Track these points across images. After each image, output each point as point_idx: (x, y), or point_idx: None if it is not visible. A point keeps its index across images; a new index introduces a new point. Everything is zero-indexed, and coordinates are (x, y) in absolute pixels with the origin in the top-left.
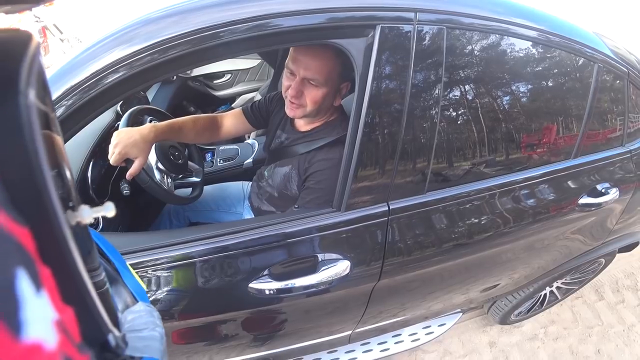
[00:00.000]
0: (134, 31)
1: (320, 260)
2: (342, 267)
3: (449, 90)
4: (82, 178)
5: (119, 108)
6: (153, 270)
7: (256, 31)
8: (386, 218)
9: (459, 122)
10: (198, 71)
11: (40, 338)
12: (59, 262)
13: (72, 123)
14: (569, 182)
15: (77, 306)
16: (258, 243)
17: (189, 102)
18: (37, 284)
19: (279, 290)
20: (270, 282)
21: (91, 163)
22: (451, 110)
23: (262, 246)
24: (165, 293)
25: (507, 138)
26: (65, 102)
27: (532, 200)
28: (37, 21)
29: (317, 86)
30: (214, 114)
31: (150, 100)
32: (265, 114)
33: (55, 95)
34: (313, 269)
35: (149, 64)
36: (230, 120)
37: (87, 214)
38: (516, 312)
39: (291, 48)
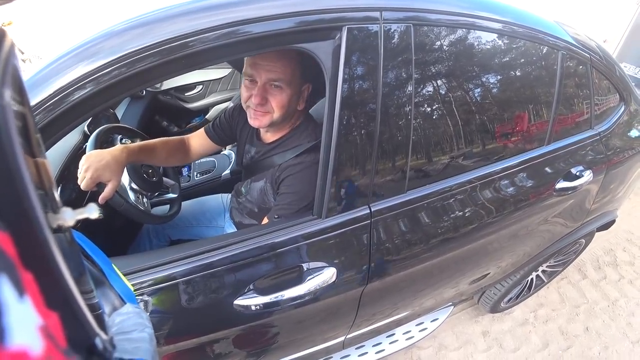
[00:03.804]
0: (98, 45)
1: (305, 269)
2: (329, 274)
3: (421, 86)
4: None
5: (86, 128)
6: (137, 296)
7: (225, 39)
8: (369, 221)
9: (433, 118)
10: (168, 84)
11: (25, 344)
12: (41, 267)
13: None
14: (545, 168)
15: (62, 311)
16: (239, 258)
17: (161, 116)
18: (20, 289)
19: (266, 305)
20: (256, 297)
21: (59, 188)
22: (425, 106)
23: (244, 261)
24: (153, 317)
25: (482, 130)
26: None
27: (512, 189)
28: None
29: (282, 88)
30: (182, 137)
31: (120, 118)
32: (229, 130)
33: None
34: (299, 279)
35: (115, 78)
36: (197, 141)
37: (69, 216)
38: (506, 299)
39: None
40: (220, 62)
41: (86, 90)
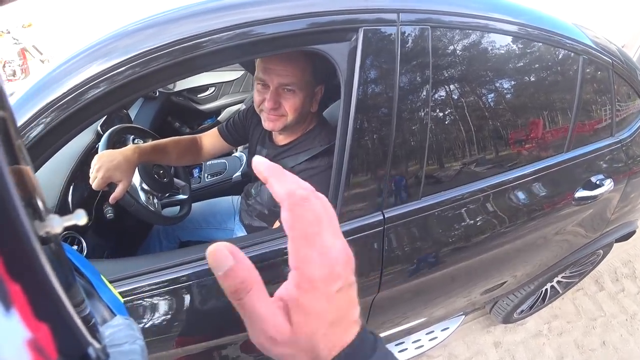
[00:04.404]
0: (112, 44)
1: None
2: None
3: (436, 90)
4: (63, 203)
5: (99, 128)
6: (146, 297)
7: (238, 40)
8: (382, 227)
9: (449, 123)
10: (181, 86)
11: None
12: (29, 277)
13: (51, 141)
14: (563, 177)
15: (52, 321)
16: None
17: (174, 117)
18: (6, 302)
19: None
20: None
21: (71, 187)
22: (440, 111)
23: (255, 265)
24: (161, 320)
25: (499, 136)
26: (43, 120)
27: (527, 198)
28: (15, 43)
29: (294, 91)
30: (194, 136)
31: (133, 118)
32: (242, 131)
33: (31, 112)
34: None
35: (129, 77)
36: (209, 140)
37: (56, 223)
38: (519, 310)
39: (258, 60)
40: (233, 63)
41: (100, 89)
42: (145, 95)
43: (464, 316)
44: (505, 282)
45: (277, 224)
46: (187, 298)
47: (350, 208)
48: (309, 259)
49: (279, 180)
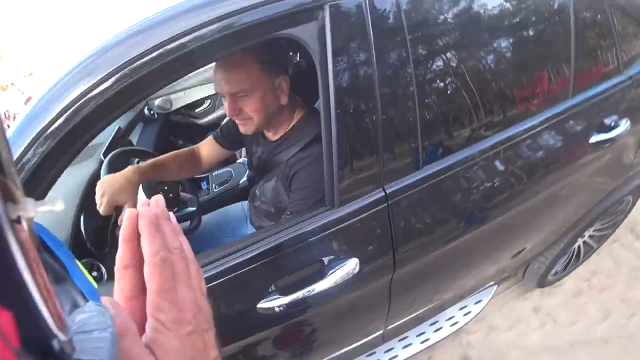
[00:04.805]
0: (95, 61)
1: (326, 263)
2: (351, 265)
3: (418, 55)
4: (76, 234)
5: (102, 156)
6: None
7: (220, 32)
8: (385, 204)
9: (439, 87)
10: (177, 104)
11: None
12: None
13: (49, 167)
14: (574, 124)
15: (16, 309)
16: (255, 261)
17: (176, 136)
18: None
19: (290, 305)
20: (279, 297)
21: (82, 217)
22: (427, 76)
23: (261, 262)
24: None
25: (494, 92)
26: (39, 149)
27: (540, 151)
28: (21, 94)
29: (248, 95)
30: (192, 147)
31: (135, 143)
32: (236, 134)
33: (25, 142)
34: (320, 274)
35: (117, 88)
36: (206, 149)
37: (31, 207)
38: (552, 271)
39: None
40: (212, 60)
41: (89, 106)
42: (144, 119)
43: (496, 286)
44: (531, 243)
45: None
46: None
47: (349, 191)
48: (160, 307)
49: (148, 240)
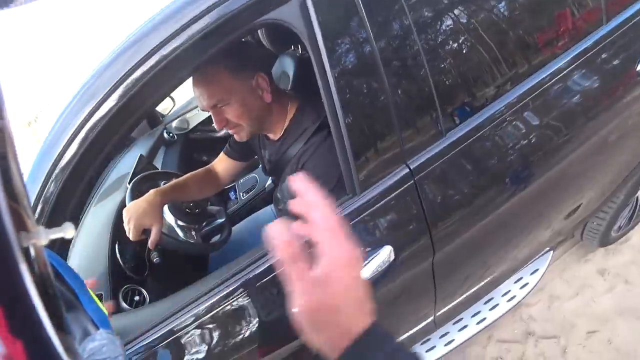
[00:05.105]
0: (95, 83)
1: None
2: (385, 254)
3: (423, 19)
4: (114, 262)
5: (128, 184)
6: (201, 326)
7: (208, 27)
8: (412, 180)
9: (452, 48)
10: (193, 122)
11: None
12: (8, 292)
13: (66, 199)
14: (615, 53)
15: (27, 338)
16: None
17: (199, 153)
18: None
19: None
20: None
21: (116, 246)
22: (437, 40)
23: None
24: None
25: (512, 35)
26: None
27: (578, 92)
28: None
29: (228, 104)
30: (207, 166)
31: (160, 167)
32: (244, 144)
33: (44, 174)
34: None
35: (120, 104)
36: (221, 165)
37: (42, 235)
38: (615, 227)
39: None
40: (203, 57)
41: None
42: (164, 143)
43: (552, 252)
44: (585, 199)
45: None
46: (237, 314)
47: (369, 174)
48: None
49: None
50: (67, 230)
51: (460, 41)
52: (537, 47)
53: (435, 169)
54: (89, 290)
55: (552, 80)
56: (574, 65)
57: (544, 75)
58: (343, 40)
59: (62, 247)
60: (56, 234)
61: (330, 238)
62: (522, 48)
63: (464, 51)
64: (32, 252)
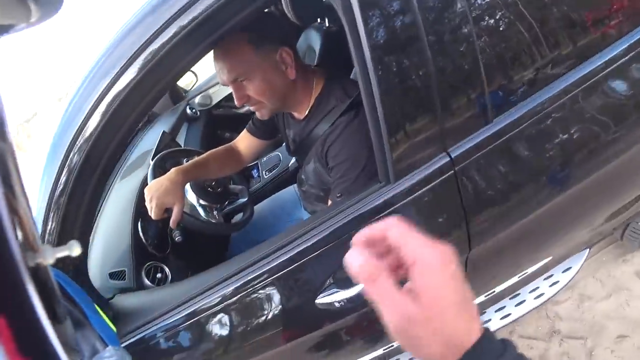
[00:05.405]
0: (112, 56)
1: None
2: None
3: None
4: (137, 240)
5: (150, 161)
6: (219, 312)
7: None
8: (452, 170)
9: (507, 20)
10: (217, 97)
11: None
12: (16, 310)
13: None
14: None
15: (36, 356)
16: (308, 253)
17: (222, 129)
18: None
19: (351, 299)
20: (338, 291)
21: (139, 224)
22: (488, 14)
23: (314, 254)
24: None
25: (569, 19)
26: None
27: (634, 84)
28: None
29: (249, 79)
30: (229, 144)
31: (183, 144)
32: (268, 122)
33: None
34: None
35: (138, 76)
36: (243, 143)
37: (49, 254)
38: None
39: None
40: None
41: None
42: (187, 119)
43: (587, 250)
44: (636, 198)
45: (329, 203)
46: (256, 303)
47: (405, 162)
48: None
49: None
50: (73, 249)
51: (517, 13)
52: (590, 35)
53: (478, 159)
54: (97, 307)
55: (607, 70)
56: (635, 51)
57: (597, 65)
58: (383, 9)
59: (85, 221)
60: (62, 252)
61: (411, 240)
62: (589, 26)
63: (520, 27)
64: (39, 271)
